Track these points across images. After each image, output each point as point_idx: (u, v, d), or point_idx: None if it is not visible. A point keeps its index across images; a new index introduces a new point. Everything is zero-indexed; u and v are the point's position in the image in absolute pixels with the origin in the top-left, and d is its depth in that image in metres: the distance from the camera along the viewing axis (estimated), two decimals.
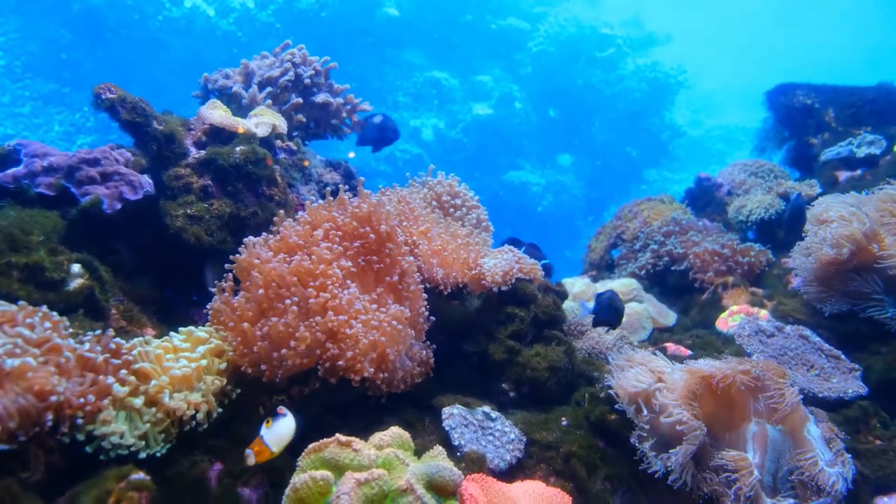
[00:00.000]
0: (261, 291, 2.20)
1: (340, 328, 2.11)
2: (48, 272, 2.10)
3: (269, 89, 3.42)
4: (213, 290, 2.36)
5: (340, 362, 2.09)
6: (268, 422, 1.82)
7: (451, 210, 3.09)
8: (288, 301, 2.16)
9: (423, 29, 16.09)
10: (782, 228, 3.59)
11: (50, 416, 1.63)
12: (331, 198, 2.59)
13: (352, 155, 4.10)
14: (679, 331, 3.56)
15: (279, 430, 1.83)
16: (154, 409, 1.86)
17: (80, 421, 1.70)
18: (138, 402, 1.84)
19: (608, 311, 2.87)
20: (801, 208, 3.23)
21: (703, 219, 4.69)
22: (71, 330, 1.89)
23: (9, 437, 1.56)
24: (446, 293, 2.68)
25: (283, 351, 2.10)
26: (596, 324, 3.01)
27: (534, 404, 2.55)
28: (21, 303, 1.82)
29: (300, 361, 2.13)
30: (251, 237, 2.42)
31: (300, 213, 2.67)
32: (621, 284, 3.85)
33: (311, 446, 1.72)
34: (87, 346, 1.85)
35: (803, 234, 3.11)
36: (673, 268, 4.02)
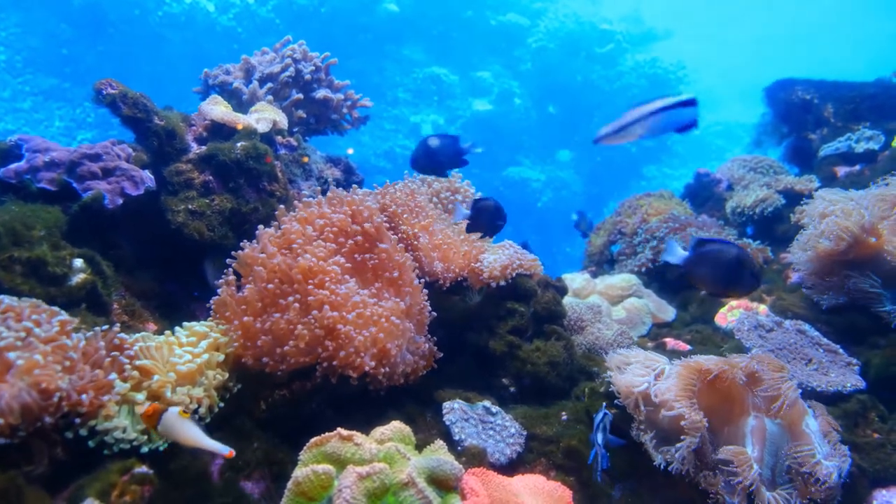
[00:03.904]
0: (270, 286, 2.21)
1: (335, 324, 2.12)
2: (50, 267, 2.11)
3: (269, 85, 3.42)
4: (216, 283, 2.37)
5: (335, 361, 2.10)
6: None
7: (451, 206, 3.09)
8: (290, 298, 2.17)
9: (423, 25, 16.10)
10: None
11: (52, 412, 1.64)
12: (322, 196, 2.60)
13: (350, 151, 4.11)
14: (678, 326, 3.56)
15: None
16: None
17: (77, 420, 1.71)
18: (140, 396, 1.85)
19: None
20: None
21: (703, 214, 4.69)
22: (74, 325, 1.90)
23: (10, 431, 1.57)
24: (446, 288, 2.69)
25: (285, 347, 2.11)
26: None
27: (534, 399, 2.56)
28: (33, 300, 1.83)
29: (302, 360, 2.14)
30: (268, 229, 2.43)
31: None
32: (621, 280, 3.85)
33: (312, 440, 1.73)
34: (92, 341, 1.86)
35: (803, 228, 3.12)
36: None
